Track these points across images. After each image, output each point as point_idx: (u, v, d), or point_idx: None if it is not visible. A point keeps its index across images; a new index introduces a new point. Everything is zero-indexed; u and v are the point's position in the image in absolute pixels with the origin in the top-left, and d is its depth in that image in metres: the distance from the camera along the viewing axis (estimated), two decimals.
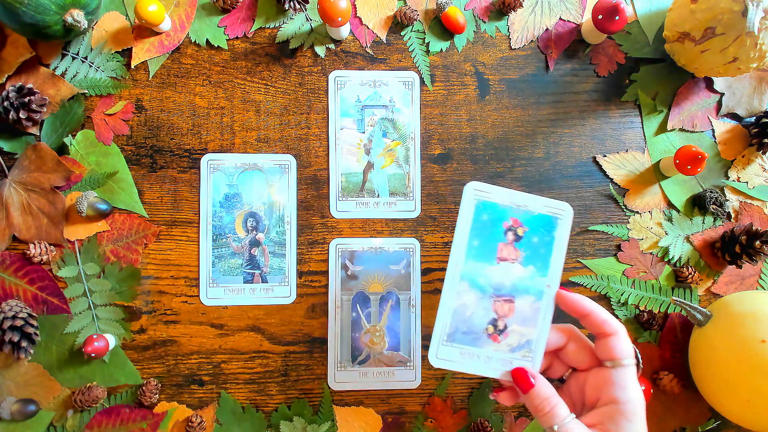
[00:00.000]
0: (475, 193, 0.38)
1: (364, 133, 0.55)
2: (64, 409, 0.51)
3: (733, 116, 0.57)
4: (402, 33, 0.56)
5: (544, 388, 0.36)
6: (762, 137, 0.54)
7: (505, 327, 0.38)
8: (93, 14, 0.51)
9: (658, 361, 0.54)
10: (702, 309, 0.50)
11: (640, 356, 0.38)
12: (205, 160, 0.54)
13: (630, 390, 0.35)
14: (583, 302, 0.37)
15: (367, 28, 0.56)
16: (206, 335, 0.53)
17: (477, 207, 0.38)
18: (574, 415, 0.35)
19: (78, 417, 0.51)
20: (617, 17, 0.51)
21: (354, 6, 0.56)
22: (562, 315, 0.39)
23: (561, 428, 0.34)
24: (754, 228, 0.51)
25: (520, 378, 0.37)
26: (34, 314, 0.51)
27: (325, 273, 0.54)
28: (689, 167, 0.50)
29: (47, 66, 0.54)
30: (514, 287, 0.38)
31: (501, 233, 0.38)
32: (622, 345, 0.35)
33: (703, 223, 0.55)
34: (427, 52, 0.56)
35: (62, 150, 0.53)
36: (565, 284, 0.54)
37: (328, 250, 0.54)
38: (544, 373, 0.40)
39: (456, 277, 0.38)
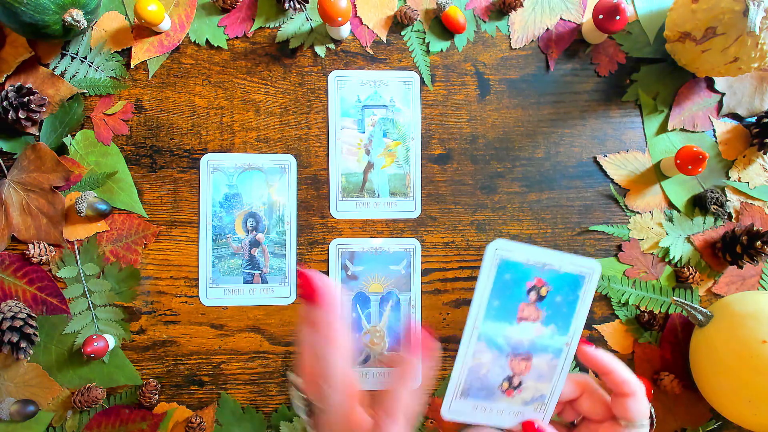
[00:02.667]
0: (497, 252, 0.37)
1: (364, 133, 0.55)
2: (64, 409, 0.51)
3: (734, 116, 0.56)
4: (402, 33, 0.56)
5: None
6: (763, 137, 0.53)
7: (520, 383, 0.38)
8: (92, 14, 0.51)
9: (659, 361, 0.54)
10: (703, 309, 0.50)
11: (654, 416, 0.37)
12: (204, 160, 0.54)
13: None
14: (605, 360, 0.36)
15: (367, 28, 0.56)
16: (206, 336, 0.53)
17: (499, 266, 0.37)
18: None
19: (77, 418, 0.51)
20: (618, 17, 0.51)
21: (354, 6, 0.55)
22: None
23: None
24: (755, 228, 0.51)
25: (529, 430, 0.37)
26: (34, 315, 0.51)
27: (325, 273, 0.54)
28: (690, 167, 0.50)
29: (46, 66, 0.54)
30: (533, 345, 0.37)
31: (523, 293, 0.37)
32: (639, 407, 0.35)
33: (704, 223, 0.55)
34: (428, 52, 0.56)
35: (61, 150, 0.53)
36: None
37: (328, 250, 0.54)
38: (557, 417, 0.40)
39: (473, 337, 0.37)
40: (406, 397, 0.33)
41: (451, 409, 0.38)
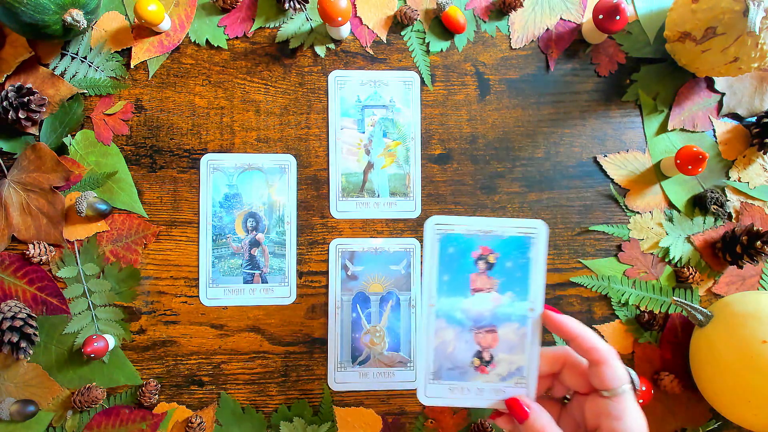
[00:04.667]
0: (435, 227, 0.37)
1: (364, 133, 0.55)
2: (64, 409, 0.51)
3: (734, 116, 0.56)
4: (402, 33, 0.56)
5: (539, 419, 0.35)
6: (763, 137, 0.53)
7: (492, 357, 0.37)
8: (92, 14, 0.51)
9: (659, 361, 0.54)
10: (703, 309, 0.50)
11: (634, 376, 0.36)
12: (204, 160, 0.54)
13: (627, 420, 0.33)
14: (569, 325, 0.35)
15: (367, 28, 0.56)
16: (206, 336, 0.53)
17: (441, 241, 0.37)
18: None
19: (77, 418, 0.51)
20: (618, 17, 0.51)
21: (354, 6, 0.55)
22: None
23: None
24: (755, 228, 0.51)
25: (515, 408, 0.36)
26: (34, 315, 0.51)
27: (325, 273, 0.54)
28: (690, 167, 0.50)
29: (46, 66, 0.53)
30: (494, 316, 0.37)
31: (471, 264, 0.37)
32: (614, 373, 0.34)
33: (704, 223, 0.55)
34: (428, 52, 0.56)
35: (61, 150, 0.53)
36: (566, 285, 0.54)
37: (328, 250, 0.54)
38: (546, 393, 0.39)
39: (431, 316, 0.37)
40: None
41: (428, 394, 0.37)
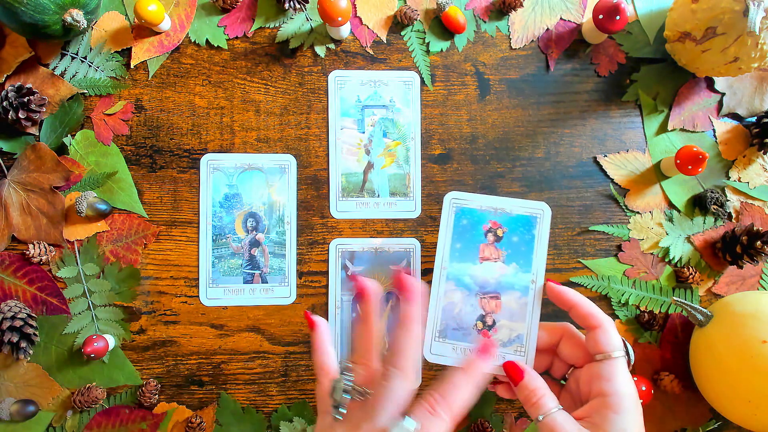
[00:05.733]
0: (453, 201, 0.42)
1: (364, 133, 0.55)
2: (64, 409, 0.51)
3: (734, 116, 0.56)
4: (402, 33, 0.56)
5: (532, 380, 0.37)
6: (763, 137, 0.53)
7: (494, 322, 0.40)
8: (92, 14, 0.51)
9: (659, 361, 0.54)
10: (703, 309, 0.50)
11: (630, 348, 0.40)
12: (204, 160, 0.54)
13: (617, 382, 0.35)
14: (568, 294, 0.38)
15: (367, 28, 0.56)
16: (206, 336, 0.53)
17: (456, 214, 0.42)
18: (561, 407, 0.36)
19: (77, 418, 0.51)
20: (618, 17, 0.51)
21: (354, 6, 0.55)
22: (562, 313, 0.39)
23: (546, 418, 0.35)
24: (755, 228, 0.51)
25: (510, 370, 0.38)
26: (34, 315, 0.51)
27: (325, 273, 0.54)
28: (690, 167, 0.50)
29: (46, 66, 0.54)
30: (499, 284, 0.41)
31: (481, 235, 0.41)
32: (609, 337, 0.36)
33: (704, 223, 0.55)
34: (428, 52, 0.56)
35: (61, 150, 0.53)
36: (566, 285, 0.54)
37: (328, 250, 0.54)
38: (547, 371, 0.41)
39: (442, 278, 0.41)
40: (465, 390, 0.36)
41: (432, 351, 0.41)
